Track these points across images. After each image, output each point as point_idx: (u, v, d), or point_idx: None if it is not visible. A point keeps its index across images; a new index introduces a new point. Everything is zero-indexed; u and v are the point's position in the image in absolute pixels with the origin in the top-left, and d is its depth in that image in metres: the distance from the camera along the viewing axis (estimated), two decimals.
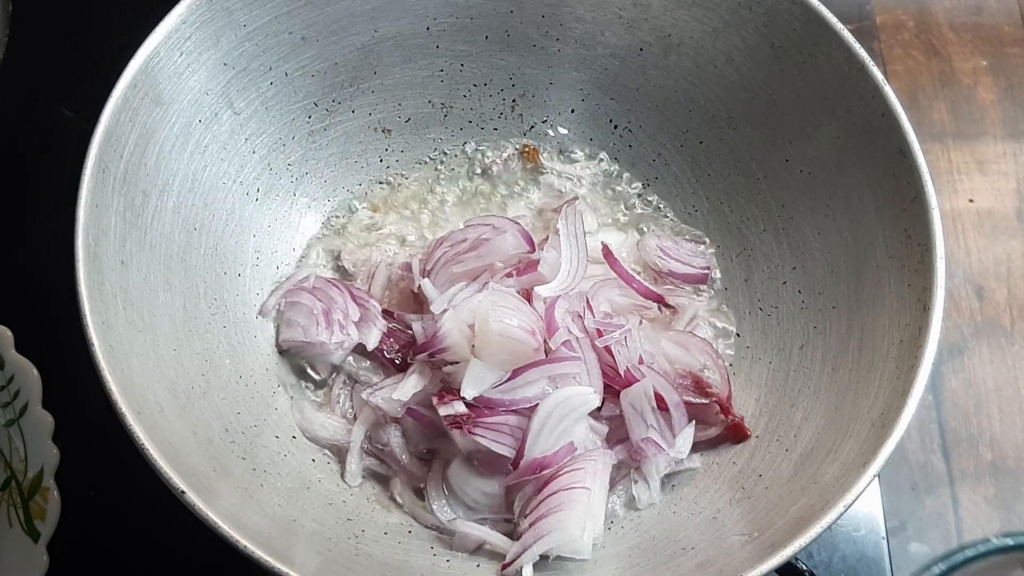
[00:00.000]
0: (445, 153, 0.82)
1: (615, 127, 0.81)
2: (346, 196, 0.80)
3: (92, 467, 0.71)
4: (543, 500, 0.62)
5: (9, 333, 0.71)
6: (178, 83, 0.66)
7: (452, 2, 0.75)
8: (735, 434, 0.68)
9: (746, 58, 0.72)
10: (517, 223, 0.72)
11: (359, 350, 0.70)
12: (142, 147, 0.64)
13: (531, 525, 0.62)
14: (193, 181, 0.68)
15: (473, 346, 0.64)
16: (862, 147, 0.67)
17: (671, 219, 0.80)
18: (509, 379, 0.63)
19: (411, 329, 0.69)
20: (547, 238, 0.72)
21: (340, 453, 0.69)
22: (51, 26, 0.92)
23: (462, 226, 0.74)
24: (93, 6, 0.94)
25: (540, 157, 0.82)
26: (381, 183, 0.81)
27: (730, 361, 0.74)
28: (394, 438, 0.68)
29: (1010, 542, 0.55)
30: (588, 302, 0.68)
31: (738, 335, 0.75)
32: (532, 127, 0.82)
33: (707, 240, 0.78)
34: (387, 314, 0.71)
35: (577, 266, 0.69)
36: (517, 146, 0.82)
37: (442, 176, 0.82)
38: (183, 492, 0.52)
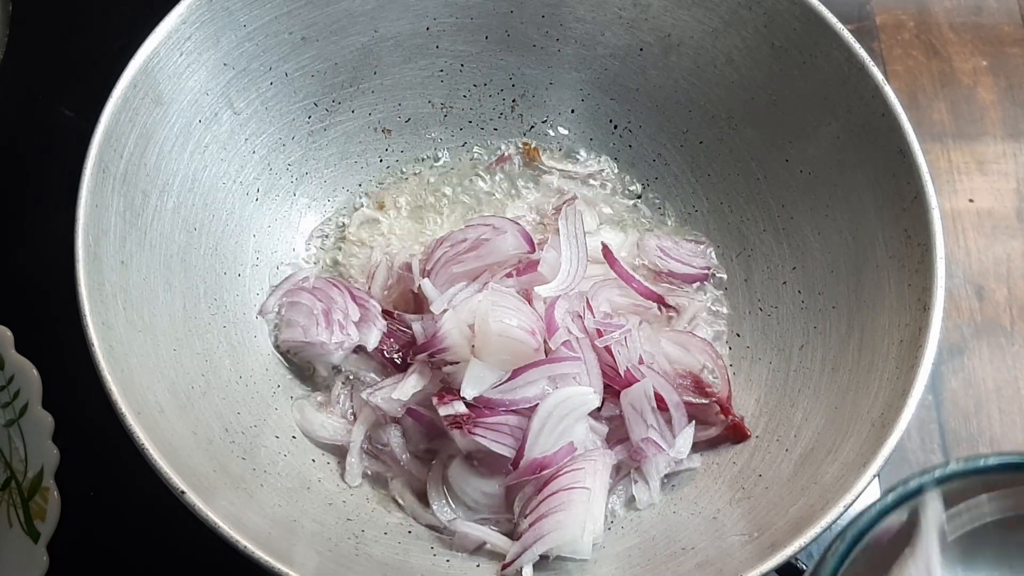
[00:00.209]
0: (445, 153, 0.82)
1: (615, 127, 0.81)
2: (346, 196, 0.80)
3: (92, 467, 0.71)
4: (543, 500, 0.62)
5: (9, 333, 0.71)
6: (178, 83, 0.66)
7: (452, 2, 0.75)
8: (735, 434, 0.68)
9: (746, 58, 0.72)
10: (517, 223, 0.71)
11: (359, 350, 0.70)
12: (142, 147, 0.64)
13: (531, 525, 0.62)
14: (193, 181, 0.68)
15: (473, 346, 0.64)
16: (862, 147, 0.67)
17: (671, 219, 0.80)
18: (509, 379, 0.63)
19: (411, 329, 0.69)
20: (547, 238, 0.72)
21: (340, 453, 0.69)
22: (51, 26, 0.92)
23: (462, 226, 0.75)
24: (93, 6, 0.93)
25: (540, 157, 0.82)
26: (381, 183, 0.81)
27: (730, 361, 0.74)
28: (394, 438, 0.68)
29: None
30: (588, 302, 0.68)
31: (738, 335, 0.75)
32: (532, 127, 0.82)
33: (706, 240, 0.78)
34: (387, 314, 0.71)
35: (577, 266, 0.69)
36: (517, 146, 0.82)
37: (442, 176, 0.82)
38: (183, 492, 0.52)
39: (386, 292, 0.74)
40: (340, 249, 0.77)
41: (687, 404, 0.67)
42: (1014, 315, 0.91)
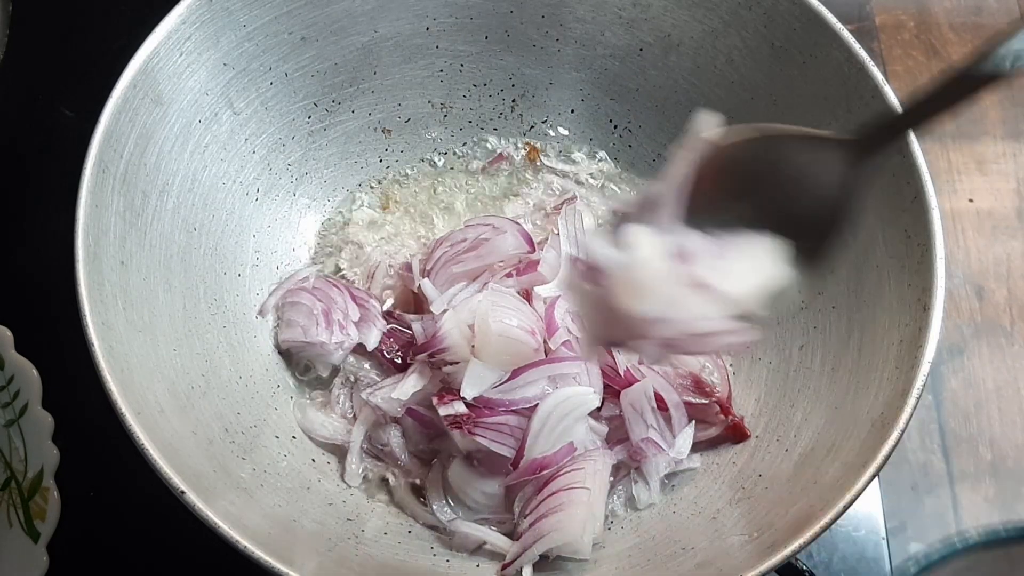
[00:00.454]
0: (445, 153, 0.82)
1: (615, 127, 0.81)
2: (346, 196, 0.80)
3: (92, 467, 0.71)
4: (543, 500, 0.62)
5: (9, 333, 0.71)
6: (178, 83, 0.66)
7: (452, 2, 0.75)
8: (735, 434, 0.68)
9: (746, 58, 0.72)
10: (517, 223, 0.71)
11: (359, 350, 0.70)
12: (142, 147, 0.64)
13: (531, 525, 0.62)
14: (193, 181, 0.68)
15: (473, 346, 0.64)
16: None
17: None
18: (509, 379, 0.63)
19: (411, 329, 0.69)
20: (547, 238, 0.72)
21: (340, 453, 0.69)
22: (51, 26, 0.92)
23: (462, 226, 0.74)
24: (93, 6, 0.93)
25: (540, 157, 0.82)
26: (381, 183, 0.81)
27: (730, 361, 0.74)
28: (394, 438, 0.68)
29: (1002, 533, 0.53)
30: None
31: None
32: (532, 127, 0.82)
33: None
34: (387, 314, 0.71)
35: None
36: (517, 146, 0.82)
37: (442, 176, 0.81)
38: (183, 492, 0.52)
39: (386, 292, 0.74)
40: (340, 249, 0.77)
41: (687, 404, 0.67)
42: (1014, 315, 0.91)
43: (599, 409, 0.66)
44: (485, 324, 0.63)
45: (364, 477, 0.68)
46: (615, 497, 0.67)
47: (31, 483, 0.68)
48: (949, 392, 0.88)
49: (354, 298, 0.71)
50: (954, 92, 0.45)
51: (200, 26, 0.66)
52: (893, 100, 0.64)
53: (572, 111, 0.81)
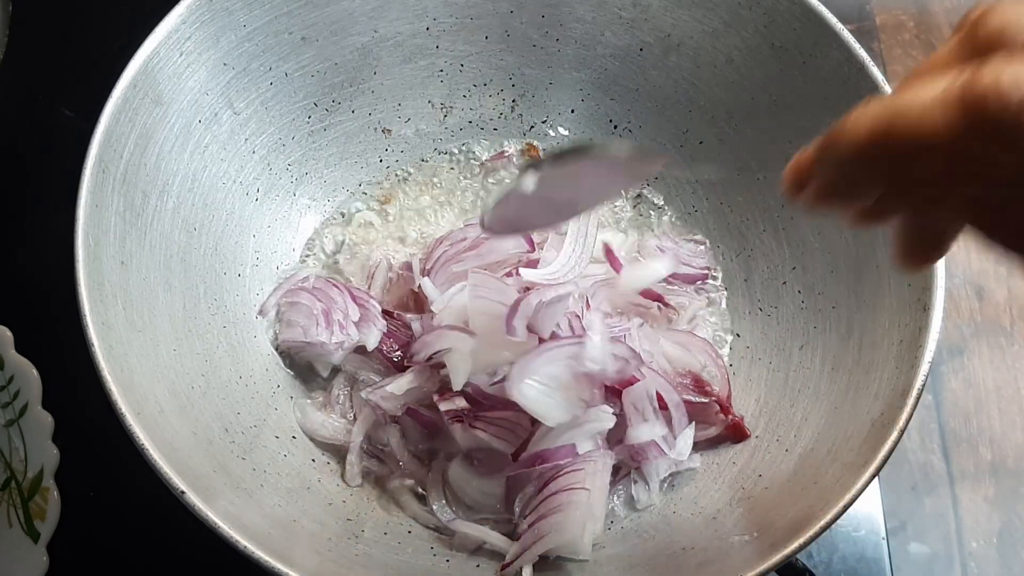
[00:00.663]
0: (445, 153, 0.82)
1: (615, 127, 0.81)
2: (346, 196, 0.80)
3: (92, 467, 0.71)
4: (543, 501, 0.62)
5: (9, 333, 0.71)
6: (178, 83, 0.66)
7: (452, 2, 0.75)
8: (735, 434, 0.68)
9: (746, 58, 0.72)
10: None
11: (359, 350, 0.70)
12: (142, 147, 0.64)
13: (531, 526, 0.62)
14: (193, 181, 0.68)
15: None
16: None
17: (671, 219, 0.80)
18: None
19: (411, 329, 0.70)
20: (547, 238, 0.72)
21: (340, 453, 0.69)
22: (51, 26, 0.92)
23: (462, 225, 0.74)
24: (93, 6, 0.93)
25: (540, 156, 0.82)
26: (381, 183, 0.81)
27: (730, 361, 0.74)
28: (393, 438, 0.68)
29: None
30: (587, 301, 0.68)
31: (738, 335, 0.75)
32: (532, 127, 0.82)
33: (706, 240, 0.78)
34: (387, 314, 0.71)
35: (576, 262, 0.69)
36: (517, 146, 0.82)
37: (442, 176, 0.82)
38: (183, 492, 0.52)
39: (386, 292, 0.74)
40: (340, 249, 0.77)
41: (687, 403, 0.67)
42: (1014, 315, 0.91)
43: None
44: (471, 310, 0.63)
45: (364, 477, 0.68)
46: (615, 497, 0.67)
47: (31, 483, 0.68)
48: (949, 392, 0.88)
49: (354, 298, 0.71)
50: None
51: (200, 26, 0.66)
52: None
53: (572, 111, 0.81)
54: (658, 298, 0.73)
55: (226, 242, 0.72)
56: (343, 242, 0.78)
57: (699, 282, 0.76)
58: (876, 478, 0.55)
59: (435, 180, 0.81)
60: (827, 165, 0.35)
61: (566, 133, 0.82)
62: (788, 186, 0.39)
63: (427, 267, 0.71)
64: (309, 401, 0.71)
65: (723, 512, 0.63)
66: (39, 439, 0.69)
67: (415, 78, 0.79)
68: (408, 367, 0.68)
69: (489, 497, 0.65)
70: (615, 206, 0.80)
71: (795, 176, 0.38)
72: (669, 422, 0.67)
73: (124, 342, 0.58)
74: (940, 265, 0.60)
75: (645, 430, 0.65)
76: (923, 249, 0.38)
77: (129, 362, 0.57)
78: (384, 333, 0.70)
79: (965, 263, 0.93)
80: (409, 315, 0.71)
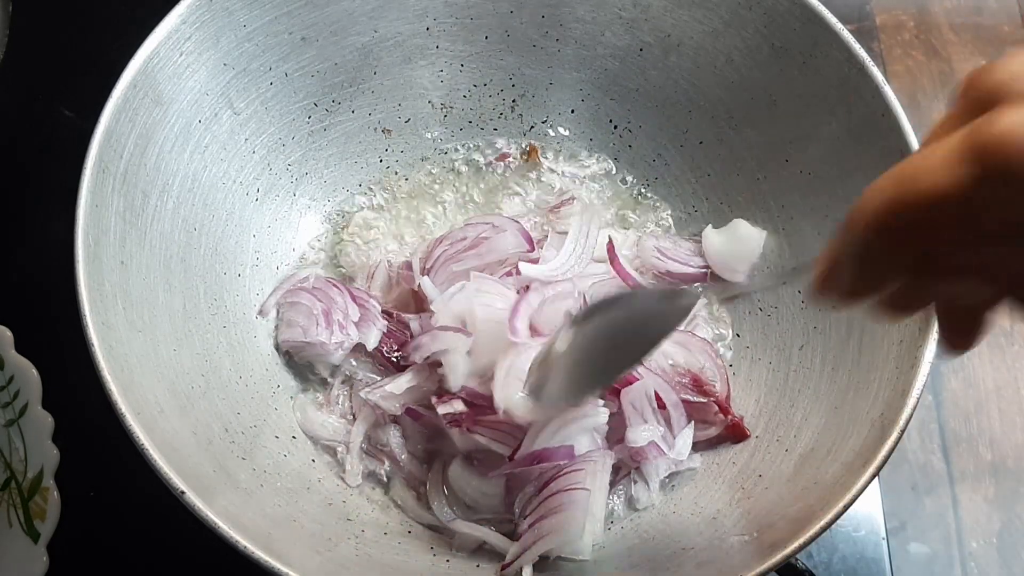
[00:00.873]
0: (445, 153, 0.82)
1: (615, 127, 0.81)
2: (346, 196, 0.80)
3: (92, 467, 0.71)
4: (543, 501, 0.62)
5: (9, 333, 0.71)
6: (178, 83, 0.66)
7: (452, 2, 0.75)
8: (735, 434, 0.68)
9: (746, 58, 0.72)
10: (516, 222, 0.72)
11: (359, 350, 0.70)
12: (142, 147, 0.64)
13: (531, 526, 0.62)
14: (193, 181, 0.68)
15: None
16: (862, 147, 0.67)
17: (671, 219, 0.80)
18: None
19: (410, 329, 0.69)
20: (547, 237, 0.72)
21: (340, 453, 0.69)
22: (51, 26, 0.92)
23: (462, 225, 0.74)
24: (93, 6, 0.94)
25: (540, 156, 0.82)
26: (381, 183, 0.81)
27: (730, 361, 0.74)
28: (393, 438, 0.68)
29: None
30: (585, 300, 0.68)
31: (738, 335, 0.75)
32: (532, 127, 0.82)
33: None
34: (387, 314, 0.71)
35: (575, 261, 0.69)
36: (517, 146, 0.82)
37: (442, 176, 0.82)
38: (183, 492, 0.52)
39: (386, 292, 0.74)
40: (340, 249, 0.77)
41: (686, 403, 0.67)
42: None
43: None
44: (472, 312, 0.63)
45: (364, 477, 0.68)
46: (615, 497, 0.67)
47: (31, 483, 0.68)
48: (949, 392, 0.88)
49: (354, 298, 0.71)
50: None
51: (200, 26, 0.66)
52: (893, 100, 0.64)
53: (572, 111, 0.81)
54: None
55: (226, 242, 0.72)
56: (343, 242, 0.78)
57: (698, 282, 0.76)
58: (876, 478, 0.55)
59: (435, 180, 0.81)
60: (849, 254, 0.34)
61: (566, 133, 0.82)
62: (820, 283, 0.37)
63: (427, 266, 0.71)
64: (309, 401, 0.71)
65: (723, 512, 0.63)
66: (39, 439, 0.69)
67: (415, 78, 0.79)
68: (407, 367, 0.68)
69: (489, 497, 0.65)
70: (614, 207, 0.81)
71: (825, 273, 0.36)
72: (668, 422, 0.67)
73: (124, 342, 0.58)
74: None
75: (643, 431, 0.65)
76: (963, 331, 0.37)
77: (129, 362, 0.57)
78: (384, 333, 0.70)
79: None
80: (409, 315, 0.71)
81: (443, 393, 0.65)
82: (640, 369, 0.66)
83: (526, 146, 0.82)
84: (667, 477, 0.68)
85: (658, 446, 0.65)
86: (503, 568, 0.62)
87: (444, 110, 0.81)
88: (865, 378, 0.62)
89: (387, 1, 0.74)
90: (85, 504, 0.71)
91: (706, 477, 0.68)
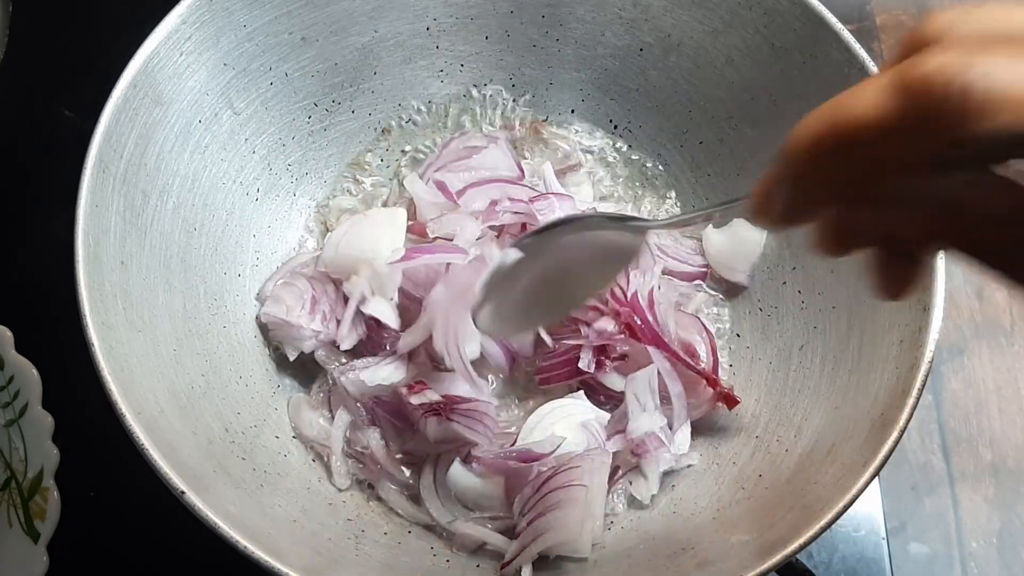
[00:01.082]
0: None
1: (615, 127, 0.81)
2: (346, 196, 0.80)
3: (92, 467, 0.71)
4: (541, 498, 0.62)
5: (9, 333, 0.71)
6: (178, 83, 0.66)
7: (452, 2, 0.75)
8: (726, 402, 0.68)
9: (746, 58, 0.72)
10: (499, 136, 0.75)
11: (335, 347, 0.70)
12: (142, 147, 0.64)
13: (529, 523, 0.62)
14: (193, 181, 0.68)
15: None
16: None
17: (670, 208, 0.80)
18: None
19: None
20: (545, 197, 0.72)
21: (326, 454, 0.69)
22: (51, 26, 0.92)
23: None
24: (93, 6, 0.94)
25: (544, 129, 0.81)
26: (381, 183, 0.81)
27: (730, 361, 0.74)
28: (373, 440, 0.67)
29: None
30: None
31: (738, 335, 0.75)
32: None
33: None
34: (373, 319, 0.71)
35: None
36: (526, 121, 0.82)
37: None
38: (183, 492, 0.52)
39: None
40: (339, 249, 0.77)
41: (678, 367, 0.68)
42: (1014, 315, 0.91)
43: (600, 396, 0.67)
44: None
45: (354, 479, 0.68)
46: (615, 496, 0.67)
47: (31, 483, 0.68)
48: (949, 392, 0.88)
49: (345, 298, 0.70)
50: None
51: (200, 26, 0.66)
52: None
53: (572, 111, 0.81)
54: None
55: (226, 242, 0.72)
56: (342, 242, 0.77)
57: (698, 281, 0.76)
58: (876, 478, 0.55)
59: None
60: (784, 178, 0.36)
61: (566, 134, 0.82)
62: (755, 208, 0.39)
63: (420, 172, 0.73)
64: (303, 400, 0.70)
65: (723, 512, 0.63)
66: (39, 439, 0.69)
67: (415, 78, 0.79)
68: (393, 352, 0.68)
69: (488, 499, 0.65)
70: (615, 180, 0.80)
71: (761, 197, 0.39)
72: (670, 415, 0.67)
73: (124, 342, 0.58)
74: (940, 265, 0.60)
75: (645, 420, 0.65)
76: (897, 274, 0.39)
77: (129, 362, 0.57)
78: (361, 339, 0.69)
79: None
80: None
81: (414, 384, 0.64)
82: (650, 350, 0.66)
83: (531, 122, 0.82)
84: (667, 476, 0.68)
85: (659, 438, 0.66)
86: (502, 567, 0.62)
87: (444, 110, 0.81)
88: (865, 378, 0.62)
89: (387, 1, 0.74)
90: (85, 504, 0.71)
91: (706, 477, 0.68)
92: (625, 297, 0.67)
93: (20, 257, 0.83)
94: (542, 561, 0.62)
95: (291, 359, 0.70)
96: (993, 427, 0.87)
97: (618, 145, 0.81)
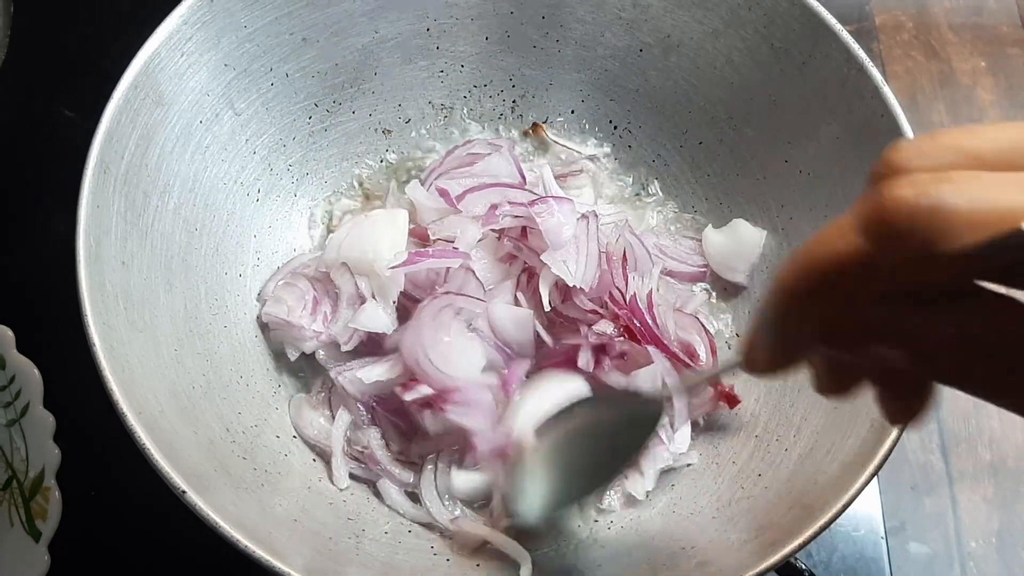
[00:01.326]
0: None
1: (615, 127, 0.81)
2: (346, 196, 0.80)
3: (93, 467, 0.71)
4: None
5: (10, 333, 0.71)
6: (179, 84, 0.66)
7: (452, 3, 0.75)
8: (728, 402, 0.68)
9: (746, 59, 0.72)
10: (501, 144, 0.75)
11: (335, 347, 0.70)
12: (143, 148, 0.64)
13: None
14: (194, 182, 0.69)
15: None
16: (862, 147, 0.67)
17: (670, 218, 0.80)
18: None
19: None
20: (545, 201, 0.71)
21: (326, 454, 0.69)
22: (51, 26, 0.92)
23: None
24: (93, 7, 0.94)
25: (545, 133, 0.81)
26: (382, 183, 0.81)
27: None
28: (373, 440, 0.67)
29: None
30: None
31: (738, 335, 0.75)
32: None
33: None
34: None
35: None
36: (522, 128, 0.82)
37: None
38: (184, 492, 0.52)
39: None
40: (340, 248, 0.77)
41: (679, 368, 0.68)
42: None
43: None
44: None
45: (353, 479, 0.68)
46: (615, 495, 0.67)
47: (32, 483, 0.69)
48: (949, 392, 0.88)
49: (345, 299, 0.71)
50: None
51: (201, 27, 0.66)
52: (892, 100, 0.65)
53: (572, 112, 0.82)
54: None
55: (227, 242, 0.72)
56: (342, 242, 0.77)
57: (697, 281, 0.76)
58: (875, 478, 0.55)
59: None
60: (768, 327, 0.36)
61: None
62: (745, 358, 0.39)
63: (422, 178, 0.74)
64: (304, 400, 0.71)
65: (723, 512, 0.63)
66: (40, 439, 0.69)
67: (415, 79, 0.79)
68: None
69: (484, 494, 0.65)
70: (616, 186, 0.81)
71: (749, 348, 0.39)
72: (668, 414, 0.67)
73: (125, 342, 0.58)
74: None
75: None
76: (900, 406, 0.39)
77: (130, 362, 0.57)
78: (363, 340, 0.70)
79: None
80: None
81: (407, 382, 0.64)
82: (650, 349, 0.66)
83: (532, 125, 0.82)
84: (667, 475, 0.68)
85: (658, 436, 0.66)
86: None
87: (444, 111, 0.81)
88: None
89: (387, 2, 0.74)
90: (86, 504, 0.71)
91: (706, 476, 0.68)
92: (624, 300, 0.67)
93: (20, 257, 0.83)
94: (541, 560, 0.62)
95: (292, 359, 0.70)
96: (992, 427, 0.87)
97: (618, 145, 0.81)
